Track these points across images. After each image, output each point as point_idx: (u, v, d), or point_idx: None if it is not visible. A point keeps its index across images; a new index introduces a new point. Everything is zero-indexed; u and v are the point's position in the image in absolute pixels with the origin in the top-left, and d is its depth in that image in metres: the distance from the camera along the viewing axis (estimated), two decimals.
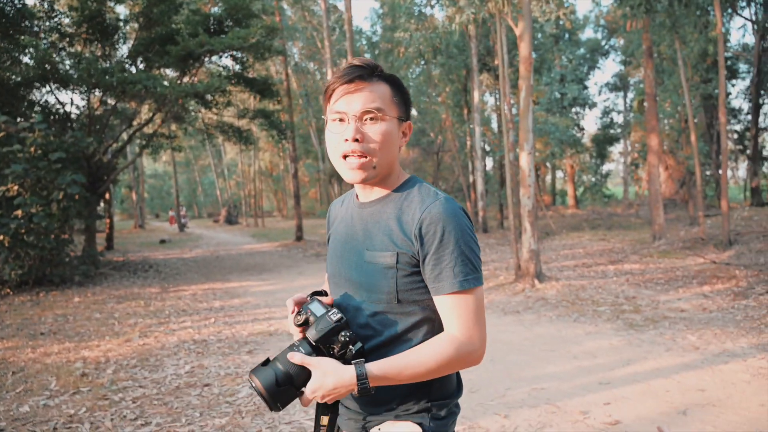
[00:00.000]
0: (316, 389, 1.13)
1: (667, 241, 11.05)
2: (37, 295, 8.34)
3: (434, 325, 1.22)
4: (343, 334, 1.14)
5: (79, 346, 5.37)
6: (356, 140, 1.15)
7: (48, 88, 10.72)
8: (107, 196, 16.54)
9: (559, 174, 31.56)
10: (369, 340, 1.21)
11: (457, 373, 1.28)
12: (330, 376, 1.11)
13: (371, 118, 1.17)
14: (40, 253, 8.60)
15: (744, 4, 18.42)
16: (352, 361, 1.13)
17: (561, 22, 20.71)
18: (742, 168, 25.96)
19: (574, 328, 5.46)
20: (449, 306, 1.15)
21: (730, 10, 17.72)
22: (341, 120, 1.18)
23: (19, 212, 8.24)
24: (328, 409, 1.25)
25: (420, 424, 1.19)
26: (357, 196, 1.31)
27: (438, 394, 1.21)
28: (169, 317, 6.74)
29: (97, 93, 11.04)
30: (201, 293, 8.56)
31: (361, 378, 1.10)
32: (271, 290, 8.67)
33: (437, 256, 1.14)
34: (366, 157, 1.16)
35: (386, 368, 1.12)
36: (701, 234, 10.77)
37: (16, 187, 8.49)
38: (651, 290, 7.18)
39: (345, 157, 1.18)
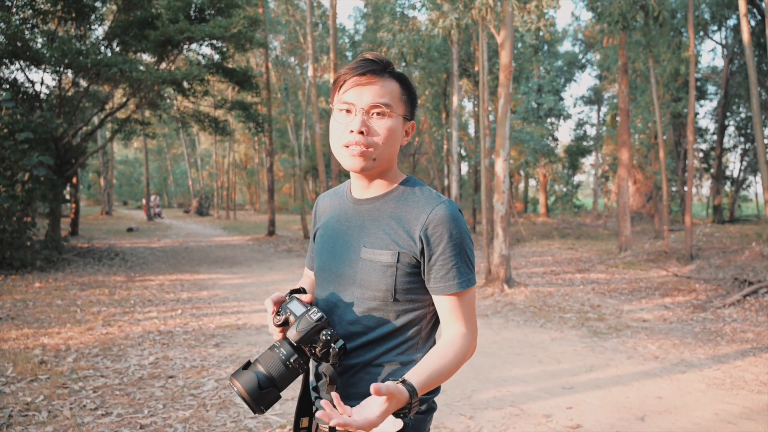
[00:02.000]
0: (381, 415, 1.02)
1: (632, 252, 11.37)
2: None
3: (423, 324, 1.24)
4: (324, 333, 1.13)
5: (39, 332, 5.20)
6: (361, 132, 1.16)
7: (18, 65, 10.35)
8: (74, 180, 16.07)
9: (532, 182, 32.13)
10: (359, 337, 1.21)
11: None
12: (392, 403, 1.04)
13: (378, 113, 1.18)
14: (0, 236, 8.30)
15: (715, 28, 19.11)
16: (400, 381, 1.07)
17: (541, 34, 21.08)
18: (706, 186, 26.91)
19: (540, 334, 5.57)
20: (454, 305, 1.19)
21: (702, 33, 18.36)
22: (348, 111, 1.19)
23: None
24: (307, 410, 1.24)
25: (401, 417, 1.18)
26: (351, 191, 1.31)
27: None
28: (134, 307, 6.60)
29: (70, 74, 10.71)
30: (168, 284, 8.40)
31: (413, 395, 1.06)
32: (240, 284, 8.57)
33: (444, 258, 1.17)
34: (368, 148, 1.17)
35: (426, 380, 1.10)
36: (665, 247, 11.11)
37: None
38: (615, 300, 7.37)
39: (347, 146, 1.18)
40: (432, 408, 1.26)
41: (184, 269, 10.07)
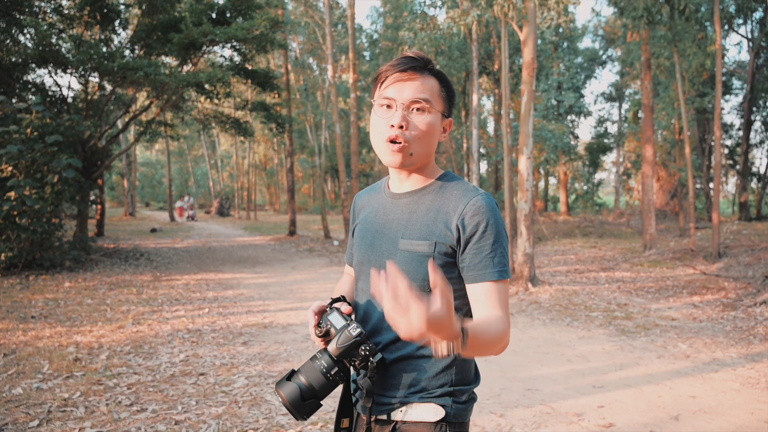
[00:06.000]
0: (439, 320, 0.90)
1: (657, 251, 11.18)
2: (27, 279, 8.25)
3: (460, 315, 1.24)
4: (363, 347, 1.17)
5: (71, 330, 5.33)
6: (401, 127, 1.19)
7: (46, 69, 10.59)
8: (100, 182, 16.37)
9: (552, 180, 31.78)
10: None
11: (474, 362, 1.31)
12: (448, 318, 0.93)
13: (418, 108, 1.20)
14: (31, 236, 8.50)
15: (741, 21, 18.67)
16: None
17: (561, 30, 20.85)
18: (731, 183, 26.33)
19: (567, 332, 5.52)
20: (489, 292, 1.17)
21: (727, 27, 17.95)
22: (389, 106, 1.22)
23: (12, 194, 8.15)
24: (348, 411, 1.28)
25: (443, 407, 1.22)
26: (388, 186, 1.34)
27: (459, 379, 1.24)
28: (162, 306, 6.71)
29: (96, 78, 10.92)
30: (194, 283, 8.52)
31: (465, 334, 1.00)
32: (264, 283, 8.65)
33: (478, 246, 1.18)
34: (407, 143, 1.20)
35: (476, 331, 1.04)
36: (691, 245, 10.90)
37: (9, 168, 8.39)
38: (642, 298, 7.26)
39: (387, 142, 1.21)
40: (472, 399, 1.28)
41: (209, 269, 10.20)
